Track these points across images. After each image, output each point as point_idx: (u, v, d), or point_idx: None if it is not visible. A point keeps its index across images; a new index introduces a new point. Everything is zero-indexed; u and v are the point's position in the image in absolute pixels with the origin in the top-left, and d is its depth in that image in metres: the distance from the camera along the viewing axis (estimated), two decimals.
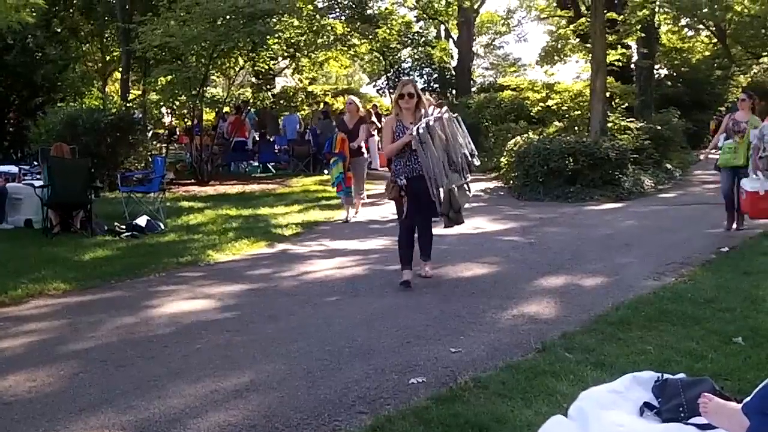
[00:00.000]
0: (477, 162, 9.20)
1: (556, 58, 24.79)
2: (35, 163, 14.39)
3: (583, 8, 23.47)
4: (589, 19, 18.54)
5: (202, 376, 4.66)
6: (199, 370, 4.77)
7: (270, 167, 22.29)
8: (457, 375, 4.48)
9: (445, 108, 7.64)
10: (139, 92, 22.85)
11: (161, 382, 4.56)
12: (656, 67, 27.71)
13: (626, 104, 21.44)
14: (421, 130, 6.51)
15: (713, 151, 10.91)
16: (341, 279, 7.54)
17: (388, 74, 30.22)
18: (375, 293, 6.83)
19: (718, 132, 10.42)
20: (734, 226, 9.81)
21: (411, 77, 29.06)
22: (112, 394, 4.38)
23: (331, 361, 4.90)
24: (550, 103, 20.82)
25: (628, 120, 18.74)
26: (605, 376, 4.08)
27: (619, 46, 20.00)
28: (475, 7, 30.45)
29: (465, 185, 6.99)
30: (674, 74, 31.98)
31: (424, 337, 5.36)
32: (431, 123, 6.60)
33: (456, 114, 9.61)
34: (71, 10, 21.67)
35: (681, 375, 3.15)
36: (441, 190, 6.55)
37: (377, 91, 33.15)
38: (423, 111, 6.94)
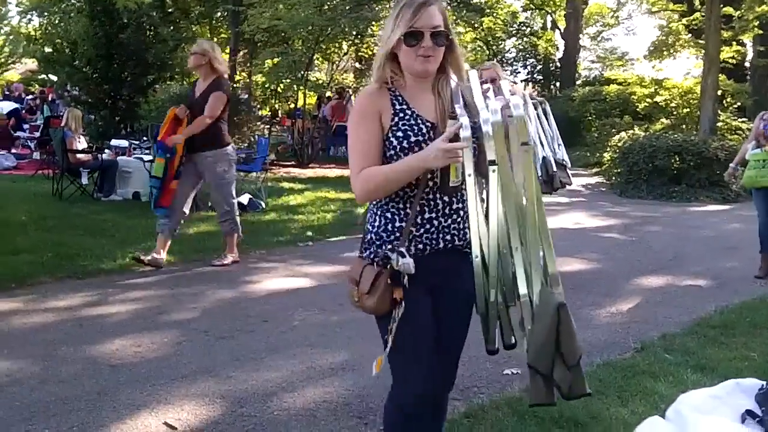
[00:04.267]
0: (568, 180, 6.55)
1: (665, 53, 24.09)
2: (144, 138, 14.86)
3: (696, 2, 22.70)
4: (703, 14, 17.97)
5: (298, 352, 4.76)
6: (296, 347, 4.87)
7: None
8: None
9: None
10: (246, 74, 23.33)
11: (259, 356, 4.68)
12: None
13: (738, 104, 20.69)
14: (492, 119, 2.44)
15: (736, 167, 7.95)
16: None
17: None
18: None
19: (748, 139, 7.69)
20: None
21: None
22: (213, 364, 4.52)
23: None
24: (657, 99, 20.26)
25: (739, 120, 18.10)
26: (706, 380, 3.98)
27: (733, 43, 19.29)
28: None
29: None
30: None
31: None
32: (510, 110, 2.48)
33: (541, 98, 7.53)
34: None
35: None
36: (534, 297, 2.51)
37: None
38: (461, 78, 2.65)
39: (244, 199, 10.93)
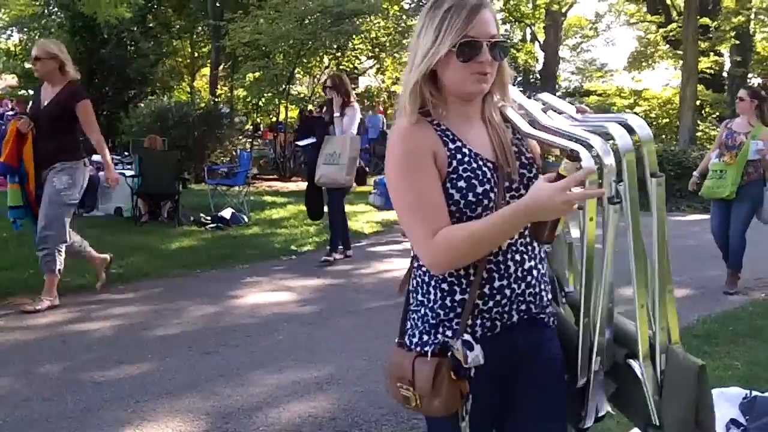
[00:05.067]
0: None
1: (644, 64, 24.40)
2: (126, 153, 14.81)
3: (674, 13, 22.97)
4: (680, 25, 18.20)
5: (283, 367, 4.74)
6: (280, 361, 4.85)
7: None
8: None
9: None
10: (227, 88, 23.36)
11: (244, 371, 4.66)
12: (750, 76, 26.92)
13: (717, 113, 20.94)
14: (621, 144, 2.03)
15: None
16: None
17: None
18: None
19: (713, 148, 7.38)
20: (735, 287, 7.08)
21: None
22: (197, 380, 4.49)
23: None
24: (637, 110, 20.48)
25: (718, 129, 18.32)
26: None
27: (711, 54, 19.53)
28: (563, 10, 30.11)
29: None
30: None
31: None
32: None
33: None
34: (165, 7, 22.30)
35: None
36: (659, 360, 1.96)
37: None
38: (506, 98, 2.00)
39: (227, 213, 10.92)
